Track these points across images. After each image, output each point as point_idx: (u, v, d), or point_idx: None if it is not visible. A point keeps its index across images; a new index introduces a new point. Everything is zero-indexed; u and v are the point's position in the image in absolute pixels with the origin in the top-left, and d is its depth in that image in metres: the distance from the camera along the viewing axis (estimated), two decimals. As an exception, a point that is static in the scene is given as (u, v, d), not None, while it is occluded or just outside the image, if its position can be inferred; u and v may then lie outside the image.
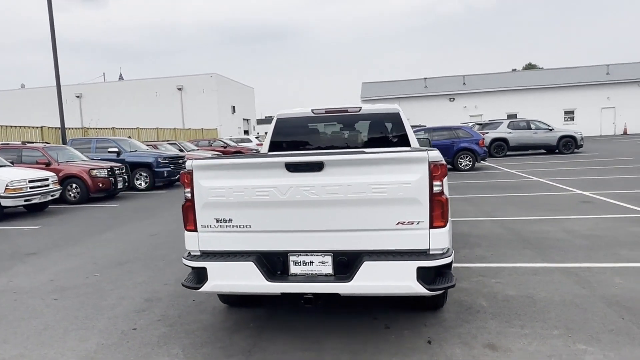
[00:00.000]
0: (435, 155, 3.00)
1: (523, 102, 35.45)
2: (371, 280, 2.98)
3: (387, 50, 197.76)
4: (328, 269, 3.13)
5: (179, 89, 42.22)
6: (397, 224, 3.02)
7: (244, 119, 50.45)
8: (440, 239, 3.03)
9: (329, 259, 3.12)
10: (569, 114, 36.73)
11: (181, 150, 20.07)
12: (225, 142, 27.22)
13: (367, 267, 2.97)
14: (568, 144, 21.56)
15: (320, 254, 3.13)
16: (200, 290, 3.20)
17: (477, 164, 17.17)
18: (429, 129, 18.36)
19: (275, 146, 5.33)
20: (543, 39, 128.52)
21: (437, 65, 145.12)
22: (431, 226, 3.01)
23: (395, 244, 3.05)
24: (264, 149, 5.42)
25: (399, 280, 2.97)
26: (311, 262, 3.15)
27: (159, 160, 15.17)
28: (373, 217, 3.04)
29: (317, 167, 3.04)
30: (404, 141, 5.15)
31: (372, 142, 5.21)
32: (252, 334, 3.66)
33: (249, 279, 3.11)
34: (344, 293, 3.08)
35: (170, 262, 5.98)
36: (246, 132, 49.28)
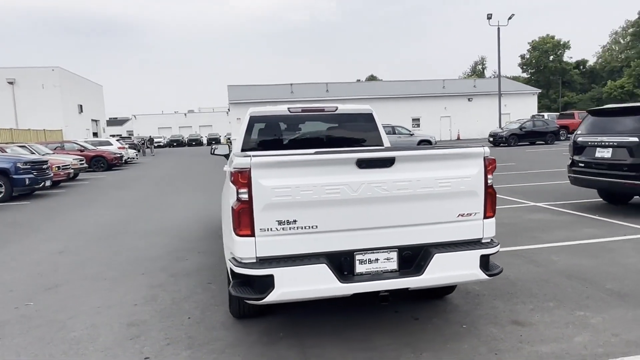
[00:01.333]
0: (488, 150, 3.25)
1: (381, 108, 38.54)
2: (441, 271, 3.09)
3: (241, 54, 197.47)
4: (393, 265, 3.14)
5: (10, 83, 35.91)
6: (458, 215, 3.19)
7: (92, 120, 45.20)
8: (491, 228, 3.28)
9: (394, 255, 3.13)
10: (416, 121, 41.67)
11: (32, 154, 17.16)
12: (82, 145, 24.09)
13: (437, 259, 3.07)
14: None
15: (385, 250, 3.12)
16: (264, 300, 2.90)
17: None
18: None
19: (248, 145, 5.04)
20: (380, 54, 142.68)
21: (287, 71, 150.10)
22: (485, 216, 3.25)
23: (456, 236, 3.21)
24: (237, 148, 5.07)
25: (466, 269, 3.14)
26: (376, 260, 3.11)
27: (19, 165, 12.75)
28: (437, 210, 3.15)
29: (389, 162, 3.03)
30: (377, 140, 5.34)
31: (349, 141, 5.29)
32: (293, 343, 3.44)
33: (321, 283, 2.94)
34: (414, 287, 3.12)
35: (114, 279, 5.18)
36: (95, 134, 44.26)
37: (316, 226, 2.99)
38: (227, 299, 4.01)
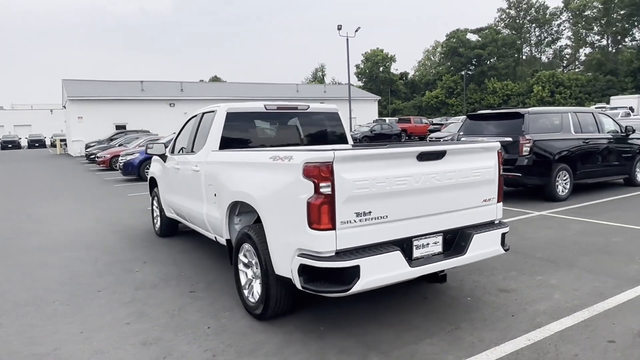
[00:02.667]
0: (499, 144, 3.84)
1: (237, 111, 38.55)
2: (478, 249, 3.57)
3: (67, 47, 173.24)
4: (439, 248, 3.49)
5: None
6: (483, 200, 3.71)
7: None
8: (500, 211, 3.89)
9: (439, 239, 3.49)
10: (273, 123, 42.45)
11: None
12: None
13: (476, 239, 3.54)
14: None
15: (434, 235, 3.45)
16: (350, 291, 2.96)
17: None
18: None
19: (226, 140, 4.83)
20: (222, 56, 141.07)
21: (124, 67, 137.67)
22: (497, 200, 3.83)
23: (481, 218, 3.72)
24: (213, 143, 4.79)
25: (493, 246, 3.68)
26: (427, 244, 3.43)
27: None
28: (470, 196, 3.61)
29: (441, 155, 3.37)
30: (343, 137, 5.63)
31: (320, 138, 5.46)
32: (341, 334, 3.52)
33: (396, 269, 3.13)
34: (459, 265, 3.51)
35: (67, 302, 4.43)
36: None
37: (386, 216, 3.17)
38: (225, 304, 4.01)
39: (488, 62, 68.85)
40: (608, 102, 40.46)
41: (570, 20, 67.85)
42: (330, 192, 2.95)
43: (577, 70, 66.63)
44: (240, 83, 46.29)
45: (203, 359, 3.21)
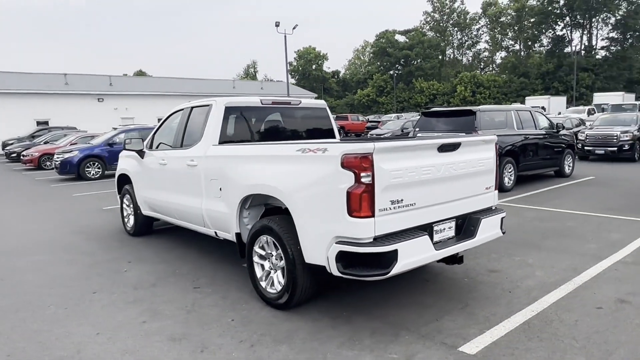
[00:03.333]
0: (497, 138, 4.23)
1: (171, 106, 36.97)
2: (484, 233, 3.92)
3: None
4: (452, 233, 3.80)
5: None
6: (485, 188, 4.07)
7: None
8: (496, 198, 4.28)
9: (453, 224, 3.80)
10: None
11: None
12: None
13: (484, 223, 3.89)
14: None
15: (449, 220, 3.75)
16: (389, 274, 3.16)
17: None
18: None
19: (224, 135, 4.82)
20: (146, 49, 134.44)
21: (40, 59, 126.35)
22: (495, 188, 4.22)
23: (483, 204, 4.08)
24: (212, 138, 4.75)
25: (495, 229, 4.06)
26: (444, 229, 3.72)
27: None
28: (476, 185, 3.96)
29: (457, 147, 3.67)
30: (331, 132, 5.80)
31: (312, 131, 5.59)
32: (366, 317, 3.71)
33: (425, 252, 3.38)
34: (470, 248, 3.84)
35: (63, 305, 4.21)
36: None
37: (415, 203, 3.41)
38: (237, 297, 4.05)
39: (415, 63, 72.09)
40: (523, 102, 44.17)
41: (488, 26, 72.99)
42: (370, 182, 3.12)
43: (494, 72, 71.86)
44: (175, 78, 44.58)
45: (242, 349, 3.25)
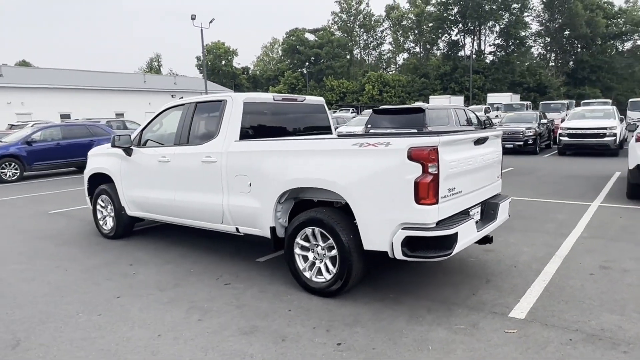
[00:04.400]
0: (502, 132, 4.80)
1: (76, 101, 33.96)
2: (501, 216, 4.47)
3: None
4: (478, 217, 4.28)
5: None
6: (497, 177, 4.62)
7: None
8: (501, 185, 4.87)
9: (479, 209, 4.28)
10: (120, 116, 38.66)
11: None
12: None
13: (502, 207, 4.44)
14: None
15: (477, 206, 4.22)
16: (452, 254, 3.52)
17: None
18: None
19: (243, 130, 4.83)
20: (28, 38, 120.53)
21: None
22: (499, 178, 4.80)
23: (495, 191, 4.64)
24: (233, 133, 4.73)
25: (506, 213, 4.63)
26: (475, 213, 4.18)
27: None
28: (493, 174, 4.49)
29: (485, 140, 4.15)
30: (328, 128, 6.03)
31: (314, 127, 5.77)
32: (410, 300, 4.04)
33: (473, 233, 3.82)
34: (494, 229, 4.35)
35: (98, 311, 3.96)
36: None
37: (461, 191, 3.81)
38: (275, 289, 4.13)
39: (325, 62, 73.91)
40: (426, 101, 47.69)
41: (391, 28, 77.25)
42: (436, 172, 3.45)
43: (397, 72, 76.33)
44: (80, 71, 40.82)
45: (320, 334, 3.40)
